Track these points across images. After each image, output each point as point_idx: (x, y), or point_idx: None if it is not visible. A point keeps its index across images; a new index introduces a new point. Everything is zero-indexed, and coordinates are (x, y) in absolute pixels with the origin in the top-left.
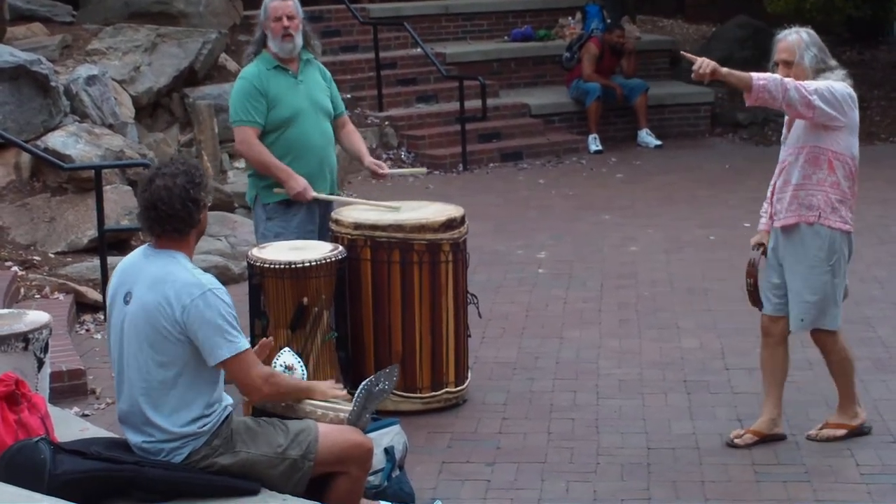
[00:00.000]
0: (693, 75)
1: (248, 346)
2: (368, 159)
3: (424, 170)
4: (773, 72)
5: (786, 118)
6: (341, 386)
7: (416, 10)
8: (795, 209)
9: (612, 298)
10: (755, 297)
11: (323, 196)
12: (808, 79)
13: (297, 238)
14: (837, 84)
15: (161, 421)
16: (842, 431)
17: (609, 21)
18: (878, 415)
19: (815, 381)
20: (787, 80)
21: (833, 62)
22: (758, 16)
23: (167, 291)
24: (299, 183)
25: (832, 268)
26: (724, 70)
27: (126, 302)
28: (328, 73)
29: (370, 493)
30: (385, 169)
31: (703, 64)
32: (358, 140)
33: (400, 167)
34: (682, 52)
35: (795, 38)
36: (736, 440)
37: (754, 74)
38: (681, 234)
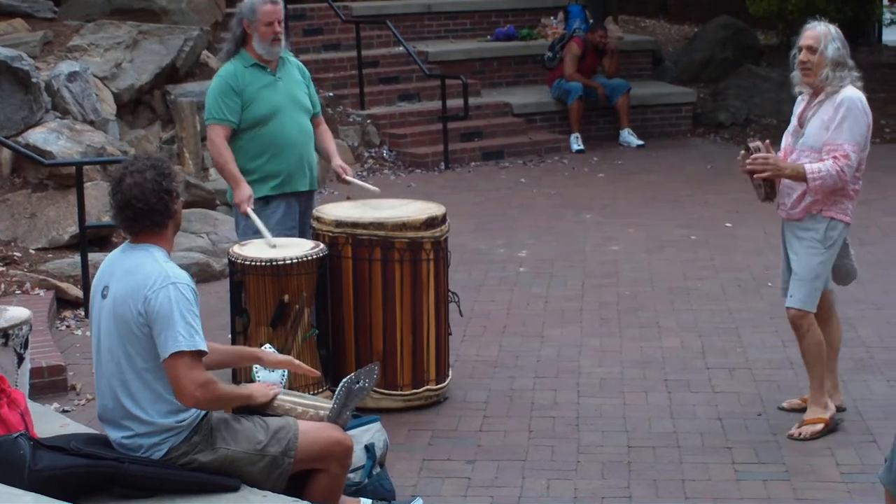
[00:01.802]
0: (753, 168)
1: (199, 346)
2: (336, 161)
3: (378, 190)
4: (795, 57)
5: (794, 110)
6: (278, 386)
7: (399, 8)
8: (800, 205)
9: (594, 297)
10: (770, 193)
11: (253, 217)
12: (825, 68)
13: (277, 235)
14: (859, 115)
15: (139, 413)
16: (820, 426)
17: (591, 21)
18: (858, 415)
19: (797, 381)
20: (831, 165)
21: (851, 62)
22: (740, 17)
23: (135, 283)
24: (241, 194)
25: (827, 250)
26: (788, 171)
27: (103, 296)
28: (307, 72)
29: (350, 490)
30: (349, 173)
31: (769, 167)
32: (329, 140)
33: (381, 166)
34: (751, 145)
35: (823, 29)
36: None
37: (808, 171)
38: (662, 234)
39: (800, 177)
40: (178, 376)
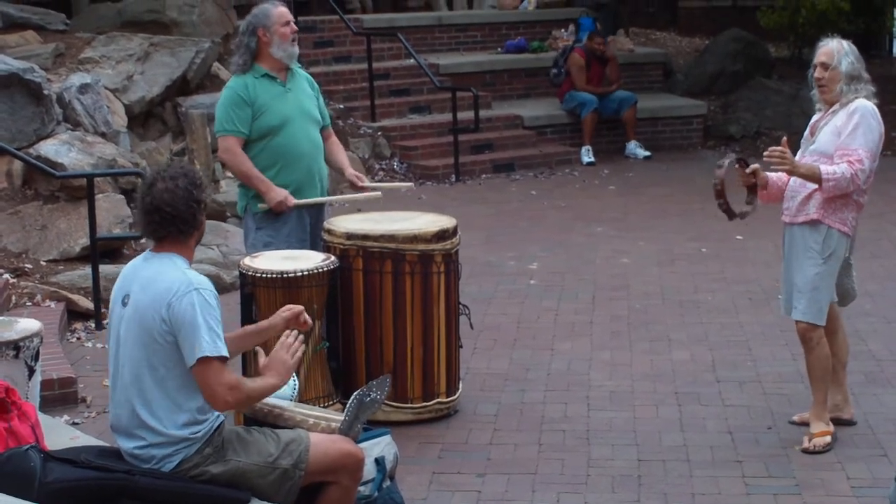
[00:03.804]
0: (768, 159)
1: (222, 352)
2: (349, 171)
3: (408, 184)
4: (812, 73)
5: (810, 122)
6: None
7: (410, 20)
8: (804, 210)
9: (604, 310)
10: (729, 212)
11: (305, 202)
12: (839, 83)
13: (287, 247)
14: (872, 123)
15: (154, 423)
16: (828, 437)
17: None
18: (868, 428)
19: (807, 394)
20: (846, 168)
21: (866, 75)
22: (751, 29)
23: (157, 290)
24: (279, 193)
25: (825, 261)
26: (803, 170)
27: (124, 304)
28: (316, 84)
29: (361, 503)
30: (364, 181)
31: (785, 162)
32: (340, 152)
33: (392, 179)
34: (778, 147)
35: (836, 45)
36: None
37: (823, 172)
38: (673, 247)
39: (814, 177)
40: (208, 382)
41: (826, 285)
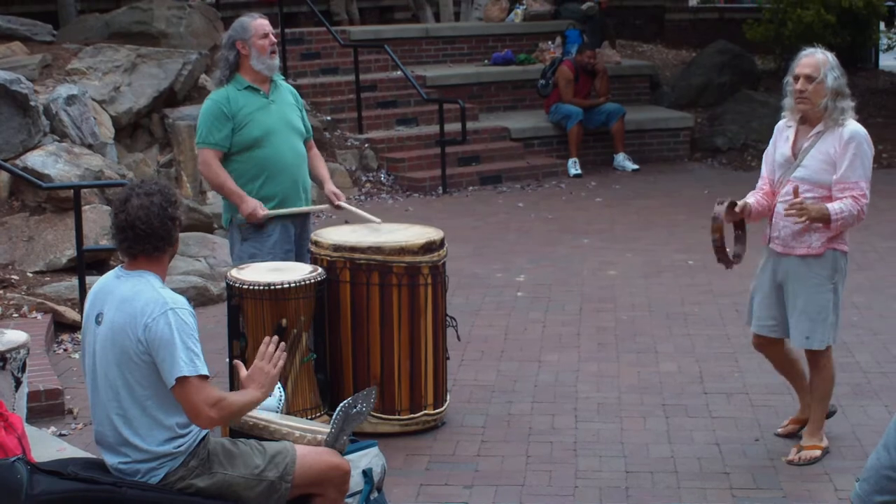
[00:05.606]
0: (788, 214)
1: (200, 371)
2: (329, 186)
3: (379, 220)
4: (789, 84)
5: (778, 135)
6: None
7: (397, 32)
8: (805, 241)
9: (591, 322)
10: (723, 254)
11: (276, 212)
12: (824, 98)
13: (272, 259)
14: (868, 152)
15: (136, 441)
16: (818, 452)
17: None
18: (856, 440)
19: (794, 406)
20: (851, 204)
21: (848, 90)
22: (737, 41)
23: (133, 310)
24: (249, 204)
25: (834, 286)
26: (814, 214)
27: (98, 323)
28: (299, 96)
29: None
30: (342, 199)
31: (805, 213)
32: (321, 165)
33: (379, 190)
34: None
35: (822, 58)
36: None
37: (831, 211)
38: (660, 259)
39: (824, 218)
40: (189, 401)
41: (835, 309)
